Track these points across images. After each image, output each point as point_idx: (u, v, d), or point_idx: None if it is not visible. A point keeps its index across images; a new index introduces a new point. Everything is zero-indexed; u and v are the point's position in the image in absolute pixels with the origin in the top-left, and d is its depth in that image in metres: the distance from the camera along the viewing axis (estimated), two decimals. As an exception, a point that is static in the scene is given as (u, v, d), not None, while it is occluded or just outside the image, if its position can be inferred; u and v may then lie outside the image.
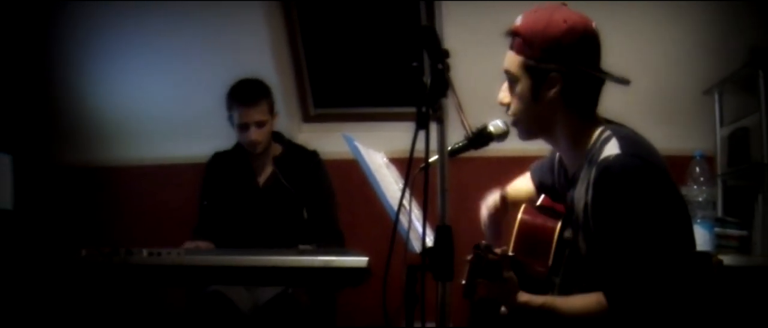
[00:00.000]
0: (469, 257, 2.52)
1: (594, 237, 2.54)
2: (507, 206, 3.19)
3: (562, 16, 2.60)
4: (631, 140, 2.58)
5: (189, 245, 4.36)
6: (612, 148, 2.53)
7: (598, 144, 2.60)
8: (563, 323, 2.58)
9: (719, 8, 4.96)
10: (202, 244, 4.42)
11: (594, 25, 2.65)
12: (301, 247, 4.03)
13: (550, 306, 2.59)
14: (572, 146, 2.71)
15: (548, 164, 3.09)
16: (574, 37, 2.59)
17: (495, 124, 2.86)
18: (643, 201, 2.45)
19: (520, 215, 2.82)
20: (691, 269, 2.59)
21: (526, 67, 2.65)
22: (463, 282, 2.57)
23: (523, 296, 2.58)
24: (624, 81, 2.67)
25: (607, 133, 2.62)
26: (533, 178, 3.19)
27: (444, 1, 5.28)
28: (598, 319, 2.50)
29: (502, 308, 2.65)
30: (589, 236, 2.58)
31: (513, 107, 2.74)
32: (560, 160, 2.88)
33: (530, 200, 3.03)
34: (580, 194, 2.60)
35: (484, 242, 2.53)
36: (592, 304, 2.51)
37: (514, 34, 2.68)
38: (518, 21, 2.67)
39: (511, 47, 2.70)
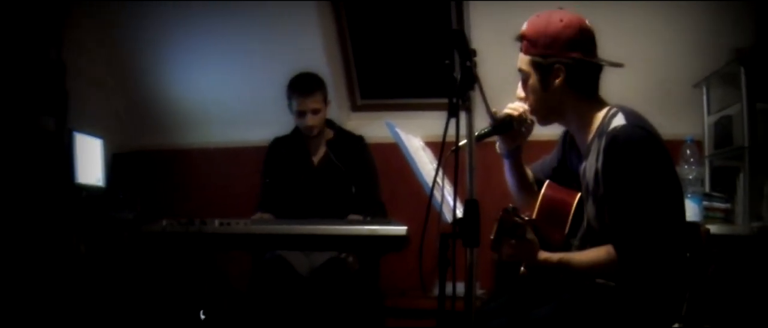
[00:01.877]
0: (498, 217, 2.54)
1: (603, 199, 2.57)
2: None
3: (558, 16, 2.66)
4: (635, 115, 2.62)
5: (255, 216, 4.41)
6: (619, 121, 2.57)
7: (606, 120, 2.63)
8: (578, 274, 2.61)
9: (707, 12, 4.95)
10: (266, 216, 4.47)
11: (587, 21, 2.69)
12: (351, 217, 4.06)
13: (566, 261, 2.61)
14: (583, 126, 2.73)
15: (548, 160, 3.10)
16: (570, 32, 2.65)
17: (515, 113, 2.89)
18: (646, 164, 2.49)
19: (542, 190, 2.84)
20: (685, 231, 2.62)
21: (534, 64, 2.70)
22: (492, 237, 2.61)
23: (543, 255, 2.61)
24: (617, 65, 2.72)
25: (614, 110, 2.65)
26: (533, 173, 3.20)
27: (472, 2, 5.29)
28: (609, 268, 2.53)
29: (522, 269, 2.68)
30: (598, 200, 2.60)
31: (528, 100, 2.78)
32: (572, 141, 2.89)
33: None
34: (591, 163, 2.63)
35: (511, 205, 2.55)
36: (602, 255, 2.54)
37: (521, 38, 2.73)
38: (524, 27, 2.73)
39: (521, 50, 2.75)
